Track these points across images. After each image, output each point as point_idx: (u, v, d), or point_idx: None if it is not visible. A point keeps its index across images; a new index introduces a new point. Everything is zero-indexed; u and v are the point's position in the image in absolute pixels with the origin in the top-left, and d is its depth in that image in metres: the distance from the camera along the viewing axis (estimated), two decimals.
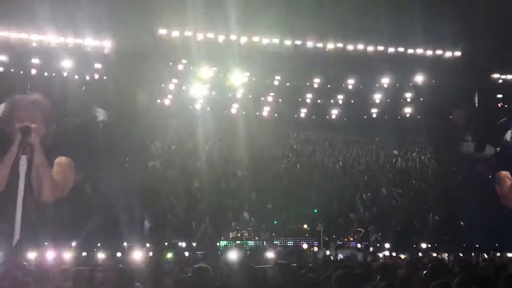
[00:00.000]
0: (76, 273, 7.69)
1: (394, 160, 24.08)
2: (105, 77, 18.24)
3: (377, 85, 21.20)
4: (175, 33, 17.58)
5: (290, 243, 20.13)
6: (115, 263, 10.00)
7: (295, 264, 8.86)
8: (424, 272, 6.44)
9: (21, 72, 17.58)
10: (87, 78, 18.46)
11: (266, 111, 22.77)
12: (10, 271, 3.36)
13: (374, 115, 22.50)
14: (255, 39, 18.64)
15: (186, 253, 15.73)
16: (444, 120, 21.99)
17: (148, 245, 15.77)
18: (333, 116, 23.06)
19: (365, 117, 22.81)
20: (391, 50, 19.32)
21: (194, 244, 18.15)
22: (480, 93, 20.29)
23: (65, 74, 17.69)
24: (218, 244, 19.00)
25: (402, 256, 16.48)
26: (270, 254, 14.48)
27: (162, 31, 17.47)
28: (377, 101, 21.98)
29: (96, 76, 18.22)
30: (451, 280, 4.98)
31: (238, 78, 20.49)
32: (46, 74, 17.81)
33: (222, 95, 21.53)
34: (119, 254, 14.18)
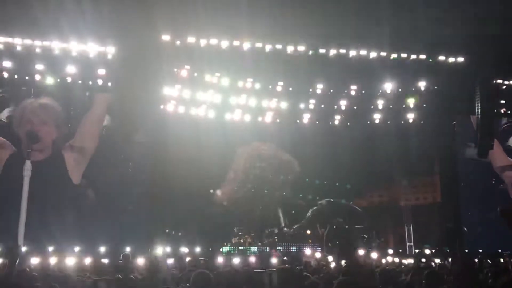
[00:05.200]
0: (77, 283, 7.66)
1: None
2: (109, 83, 18.24)
3: (380, 91, 21.20)
4: (178, 39, 17.62)
5: (293, 249, 20.11)
6: (116, 272, 9.95)
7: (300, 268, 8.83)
8: (424, 279, 6.46)
9: (26, 77, 17.56)
10: (90, 83, 18.46)
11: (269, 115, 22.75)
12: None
13: (377, 121, 22.43)
14: (258, 44, 18.64)
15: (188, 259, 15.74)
16: (447, 125, 21.95)
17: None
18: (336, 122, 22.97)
19: (368, 122, 22.72)
20: (393, 55, 19.29)
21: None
22: (483, 99, 20.26)
23: (69, 79, 17.69)
24: (220, 249, 19.00)
25: (405, 262, 16.49)
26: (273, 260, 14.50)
27: (165, 37, 17.50)
28: (380, 106, 21.93)
29: (100, 82, 18.22)
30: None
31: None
32: (51, 79, 17.80)
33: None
34: (121, 261, 14.16)
